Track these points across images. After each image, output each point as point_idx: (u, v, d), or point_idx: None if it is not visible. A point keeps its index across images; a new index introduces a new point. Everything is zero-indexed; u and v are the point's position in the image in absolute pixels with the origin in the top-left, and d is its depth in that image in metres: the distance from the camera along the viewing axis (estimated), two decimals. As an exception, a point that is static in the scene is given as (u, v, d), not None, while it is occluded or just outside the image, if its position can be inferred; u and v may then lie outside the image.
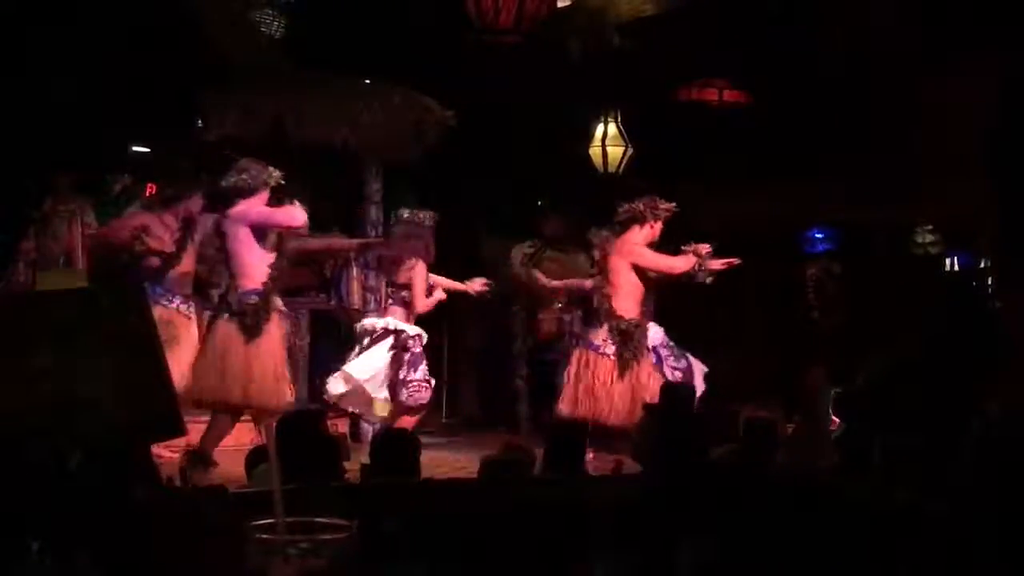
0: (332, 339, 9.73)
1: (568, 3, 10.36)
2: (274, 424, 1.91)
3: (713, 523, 2.31)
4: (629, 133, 11.87)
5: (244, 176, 7.89)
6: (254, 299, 7.75)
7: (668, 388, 6.92)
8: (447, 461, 8.76)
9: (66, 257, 8.71)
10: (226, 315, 7.78)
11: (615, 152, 11.87)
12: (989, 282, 10.67)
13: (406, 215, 8.72)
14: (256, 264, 7.88)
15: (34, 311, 2.11)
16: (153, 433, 2.15)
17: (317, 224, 10.34)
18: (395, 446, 5.24)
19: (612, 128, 11.88)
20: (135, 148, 10.89)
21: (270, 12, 11.14)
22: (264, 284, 7.81)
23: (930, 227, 11.10)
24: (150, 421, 2.12)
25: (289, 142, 9.68)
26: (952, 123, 9.45)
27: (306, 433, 5.21)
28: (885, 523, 2.32)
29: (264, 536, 1.76)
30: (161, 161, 10.83)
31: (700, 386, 8.29)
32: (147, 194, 10.64)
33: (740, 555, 2.20)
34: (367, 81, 10.38)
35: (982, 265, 10.87)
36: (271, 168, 7.98)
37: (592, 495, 3.21)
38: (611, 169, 11.89)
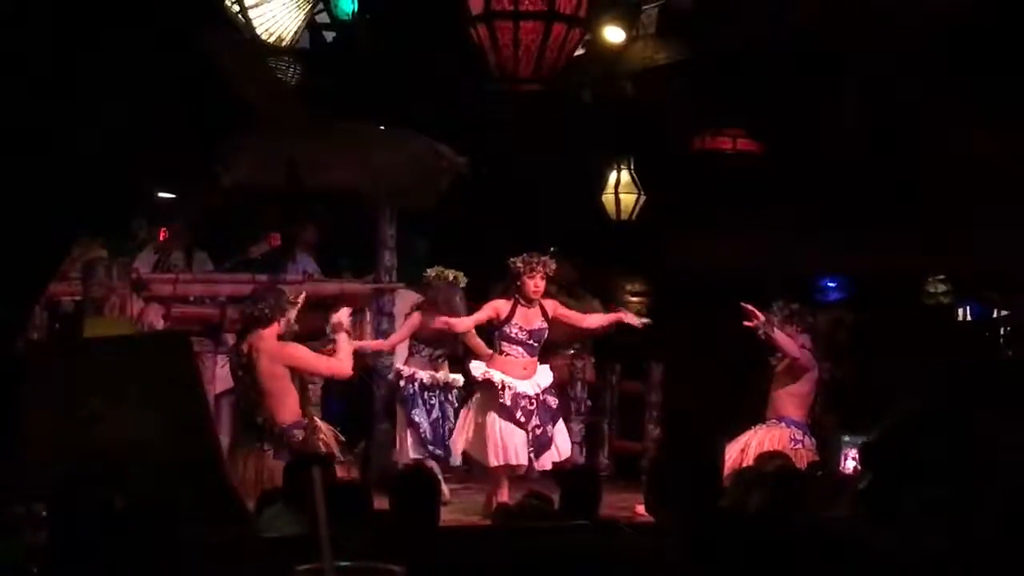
0: (344, 385, 9.72)
1: (581, 52, 10.45)
2: (319, 471, 1.92)
3: (747, 574, 2.32)
4: (642, 181, 11.95)
5: (261, 305, 7.56)
6: (298, 434, 7.54)
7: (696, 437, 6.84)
8: (460, 506, 8.78)
9: (106, 305, 8.72)
10: (270, 451, 7.50)
11: (628, 200, 11.94)
12: (1001, 332, 10.68)
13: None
14: (294, 395, 7.64)
15: (84, 357, 2.14)
16: (198, 480, 2.17)
17: (331, 269, 10.42)
18: (415, 485, 5.24)
19: (625, 176, 11.96)
20: (160, 194, 10.97)
21: (286, 59, 11.25)
22: (304, 417, 7.66)
23: (942, 277, 11.13)
24: (195, 468, 2.15)
25: (304, 188, 9.75)
26: (965, 174, 9.51)
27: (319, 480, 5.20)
28: (914, 574, 2.34)
29: (312, 581, 1.79)
30: (178, 206, 10.92)
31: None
32: (160, 239, 10.72)
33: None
34: (381, 127, 10.46)
35: (995, 315, 10.88)
36: (287, 293, 7.76)
37: (613, 543, 3.23)
38: (624, 216, 11.96)
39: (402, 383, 9.12)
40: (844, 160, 10.36)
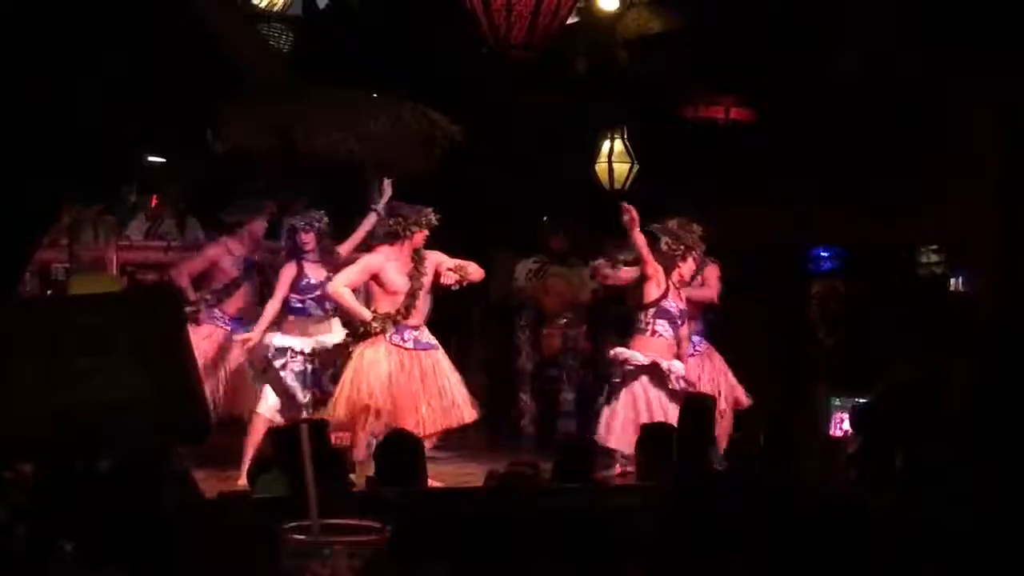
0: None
1: (575, 20, 10.41)
2: (305, 428, 1.93)
3: (739, 537, 2.31)
4: (635, 150, 11.91)
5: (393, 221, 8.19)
6: None
7: (687, 401, 6.77)
8: (451, 474, 8.77)
9: (94, 264, 8.72)
10: None
11: (621, 169, 11.92)
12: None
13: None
14: None
15: (66, 314, 2.12)
16: (182, 438, 2.15)
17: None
18: (398, 448, 5.25)
19: (618, 145, 11.93)
20: (150, 159, 10.92)
21: (279, 26, 11.18)
22: None
23: (935, 247, 11.12)
24: (179, 426, 2.13)
25: (297, 154, 9.69)
26: (957, 144, 9.47)
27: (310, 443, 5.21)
28: (911, 538, 2.33)
29: (299, 537, 1.78)
30: (169, 172, 10.87)
31: None
32: (152, 204, 10.67)
33: (766, 570, 2.21)
34: (375, 95, 10.40)
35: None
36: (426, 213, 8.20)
37: (609, 506, 3.23)
38: (617, 186, 11.94)
39: None
40: (840, 129, 10.33)
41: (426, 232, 8.17)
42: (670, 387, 7.90)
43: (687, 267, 8.23)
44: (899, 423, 2.81)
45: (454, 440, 9.79)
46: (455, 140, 10.12)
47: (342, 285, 7.94)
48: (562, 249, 10.88)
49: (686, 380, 8.03)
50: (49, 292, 8.82)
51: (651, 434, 5.84)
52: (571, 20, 9.97)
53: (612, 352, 8.20)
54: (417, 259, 8.14)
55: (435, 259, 8.24)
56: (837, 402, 7.24)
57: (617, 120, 11.91)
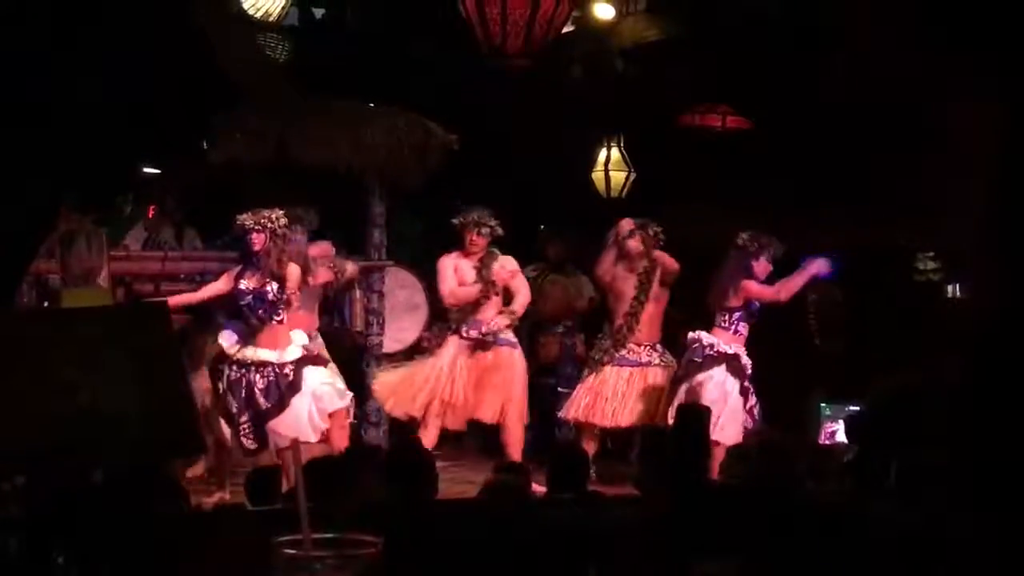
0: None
1: (571, 28, 10.42)
2: (300, 444, 1.96)
3: (735, 546, 2.31)
4: (632, 158, 11.92)
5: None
6: None
7: (683, 409, 6.81)
8: (445, 482, 8.75)
9: (86, 276, 8.69)
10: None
11: (618, 177, 11.94)
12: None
13: None
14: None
15: (60, 327, 2.12)
16: (174, 451, 2.15)
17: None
18: (401, 457, 5.26)
19: (615, 153, 11.95)
20: (145, 169, 10.93)
21: (275, 36, 11.19)
22: None
23: (932, 254, 11.12)
24: (172, 438, 2.13)
25: (293, 165, 9.70)
26: (955, 149, 9.46)
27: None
28: (910, 545, 2.33)
29: (291, 551, 1.78)
30: (165, 182, 10.87)
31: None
32: (149, 215, 10.67)
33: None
34: (371, 104, 10.41)
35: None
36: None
37: (607, 516, 3.23)
38: (614, 194, 11.96)
39: None
40: (837, 136, 10.34)
41: (474, 232, 8.91)
42: (744, 381, 8.23)
43: (761, 266, 8.37)
44: (894, 430, 2.81)
45: (449, 448, 9.81)
46: (451, 149, 10.13)
47: (450, 290, 8.85)
48: (559, 257, 10.89)
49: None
50: (46, 303, 8.81)
51: (648, 440, 5.84)
52: (567, 29, 9.99)
53: (692, 335, 8.49)
54: (485, 261, 8.90)
55: (502, 266, 9.01)
56: (828, 412, 7.22)
57: (614, 128, 11.92)
